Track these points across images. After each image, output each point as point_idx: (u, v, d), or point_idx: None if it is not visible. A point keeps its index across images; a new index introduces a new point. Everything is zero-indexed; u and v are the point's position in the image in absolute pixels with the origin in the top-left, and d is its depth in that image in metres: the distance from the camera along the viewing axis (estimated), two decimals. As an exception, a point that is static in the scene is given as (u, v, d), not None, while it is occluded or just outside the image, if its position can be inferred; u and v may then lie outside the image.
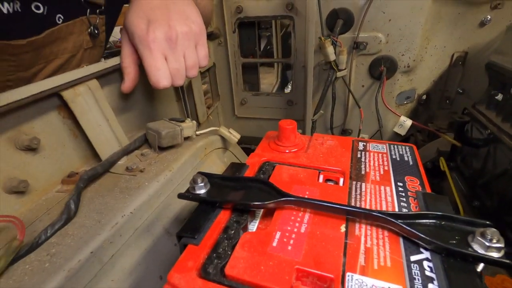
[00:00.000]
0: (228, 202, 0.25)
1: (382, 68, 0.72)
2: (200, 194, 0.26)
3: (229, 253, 0.21)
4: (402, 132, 0.73)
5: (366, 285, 0.18)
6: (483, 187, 0.57)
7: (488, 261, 0.18)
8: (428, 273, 0.18)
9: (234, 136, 0.49)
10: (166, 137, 0.40)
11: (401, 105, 0.79)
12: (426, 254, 0.20)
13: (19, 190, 0.30)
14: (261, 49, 2.04)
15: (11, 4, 0.32)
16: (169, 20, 0.35)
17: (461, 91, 0.76)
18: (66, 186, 0.34)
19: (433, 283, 0.18)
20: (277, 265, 0.20)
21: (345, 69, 0.72)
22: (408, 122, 0.72)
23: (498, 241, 0.18)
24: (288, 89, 1.56)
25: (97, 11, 0.44)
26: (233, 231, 0.23)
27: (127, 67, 0.37)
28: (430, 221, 0.21)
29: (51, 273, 0.23)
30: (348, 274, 0.19)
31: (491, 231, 0.18)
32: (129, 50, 0.37)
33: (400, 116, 0.73)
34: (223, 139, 0.50)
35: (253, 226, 0.24)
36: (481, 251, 0.18)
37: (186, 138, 0.44)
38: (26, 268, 0.24)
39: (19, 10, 0.33)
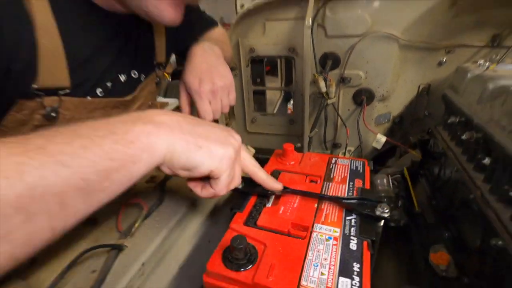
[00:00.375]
0: (255, 192, 0.45)
1: (363, 97, 0.92)
2: (239, 188, 0.46)
3: (257, 216, 0.41)
4: (378, 146, 0.94)
5: (321, 228, 0.38)
6: (438, 189, 0.76)
7: (378, 217, 0.38)
8: (353, 223, 0.39)
9: (250, 150, 0.70)
10: None
11: (379, 125, 0.99)
12: (353, 216, 0.40)
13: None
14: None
15: (124, 75, 0.53)
16: (212, 78, 0.56)
17: (427, 114, 0.96)
18: (151, 183, 0.55)
19: (353, 228, 0.38)
20: (281, 221, 0.40)
21: (334, 97, 0.93)
22: (383, 139, 0.92)
23: (386, 210, 0.38)
24: (290, 104, 1.78)
25: (160, 67, 0.65)
26: (258, 207, 0.44)
27: (184, 107, 0.58)
28: (358, 201, 0.42)
29: (161, 228, 0.44)
30: (315, 224, 0.39)
31: (383, 205, 0.39)
32: (186, 96, 0.57)
33: (377, 134, 0.93)
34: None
35: (268, 204, 0.45)
36: (377, 214, 0.39)
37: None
38: (146, 226, 0.45)
39: (127, 77, 0.54)
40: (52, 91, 0.41)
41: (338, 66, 0.91)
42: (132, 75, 0.55)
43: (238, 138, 0.37)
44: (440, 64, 0.90)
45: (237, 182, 0.38)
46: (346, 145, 0.97)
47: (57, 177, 0.22)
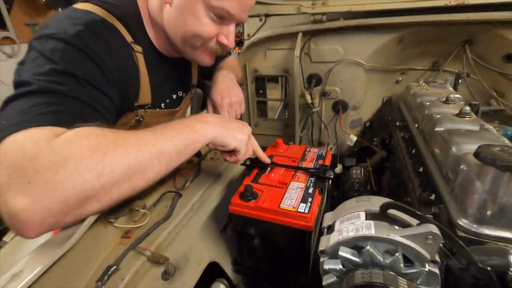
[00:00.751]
0: (258, 165, 0.75)
1: (339, 107, 1.22)
2: (247, 163, 0.75)
3: (258, 178, 0.71)
4: (351, 144, 1.23)
5: (294, 183, 0.67)
6: (392, 174, 1.05)
7: (326, 177, 0.67)
8: (312, 182, 0.68)
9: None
10: None
11: (353, 128, 1.29)
12: (313, 178, 0.69)
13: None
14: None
15: (175, 94, 0.83)
16: (230, 96, 0.86)
17: (391, 119, 1.25)
18: (190, 163, 0.84)
19: (312, 184, 0.67)
20: (272, 180, 0.69)
21: (318, 107, 1.23)
22: (354, 138, 1.22)
23: (331, 174, 0.68)
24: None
25: (193, 87, 0.96)
26: (259, 174, 0.73)
27: (210, 115, 0.89)
28: (316, 170, 0.71)
29: (200, 188, 0.74)
30: (291, 182, 0.68)
31: (329, 171, 0.68)
32: (212, 108, 0.87)
33: (350, 135, 1.22)
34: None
35: (266, 172, 0.74)
36: (326, 175, 0.68)
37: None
38: (192, 186, 0.74)
39: (176, 96, 0.84)
40: (142, 106, 0.71)
41: (320, 83, 1.21)
42: (179, 94, 0.86)
43: (250, 128, 0.67)
44: (397, 82, 1.20)
45: (249, 154, 0.68)
46: (328, 143, 1.26)
47: (169, 147, 0.52)
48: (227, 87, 0.88)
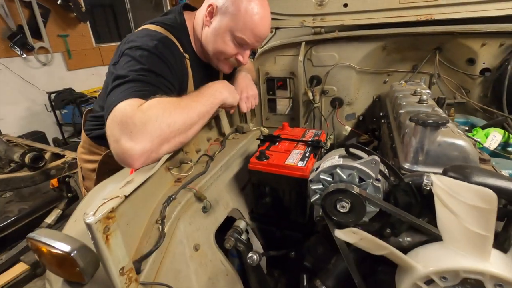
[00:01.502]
0: (269, 139, 1.00)
1: (336, 103, 1.47)
2: (261, 138, 1.01)
3: (269, 148, 0.96)
4: (346, 133, 1.47)
5: (295, 150, 0.92)
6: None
7: (320, 146, 0.92)
8: (309, 149, 0.93)
9: (264, 130, 1.26)
10: (247, 129, 1.17)
11: (348, 121, 1.53)
12: (309, 148, 0.94)
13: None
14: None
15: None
16: (247, 91, 1.12)
17: (381, 114, 1.49)
18: (217, 140, 1.11)
19: (308, 150, 0.92)
20: (280, 149, 0.94)
21: (318, 103, 1.48)
22: (349, 129, 1.46)
23: (324, 144, 0.92)
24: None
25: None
26: (271, 145, 0.99)
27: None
28: (314, 141, 0.96)
29: (226, 155, 1.00)
30: (293, 149, 0.93)
31: (322, 143, 0.93)
32: (235, 100, 1.15)
33: (345, 126, 1.47)
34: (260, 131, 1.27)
35: (275, 144, 1.00)
36: (319, 144, 0.93)
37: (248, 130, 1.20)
38: (219, 155, 1.00)
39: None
40: (187, 94, 0.99)
41: (320, 83, 1.46)
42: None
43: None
44: (384, 82, 1.45)
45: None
46: (327, 133, 1.51)
47: (203, 109, 0.78)
48: (245, 84, 1.15)
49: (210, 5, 0.91)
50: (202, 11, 0.97)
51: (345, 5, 1.29)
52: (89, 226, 0.49)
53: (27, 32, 3.85)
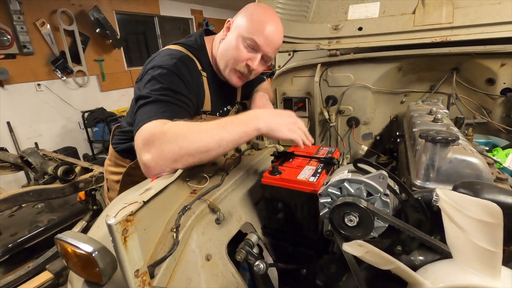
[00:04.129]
0: (282, 155, 1.03)
1: (352, 122, 1.48)
2: (275, 154, 1.04)
3: (283, 163, 0.99)
4: (363, 153, 1.46)
5: (308, 167, 0.94)
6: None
7: (333, 163, 0.93)
8: (321, 166, 0.94)
9: (279, 148, 1.29)
10: (263, 146, 1.21)
11: (365, 140, 1.53)
12: (322, 164, 0.96)
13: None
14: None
15: (225, 108, 1.17)
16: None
17: (398, 133, 1.48)
18: (233, 157, 1.15)
19: (320, 167, 0.93)
20: (293, 164, 0.97)
21: (334, 122, 1.50)
22: (365, 148, 1.45)
23: (336, 161, 0.94)
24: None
25: (237, 103, 1.29)
26: (284, 161, 1.01)
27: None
28: (326, 158, 0.97)
29: (241, 171, 1.04)
30: (306, 165, 0.95)
31: (334, 159, 0.94)
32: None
33: (361, 145, 1.46)
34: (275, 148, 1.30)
35: (288, 160, 1.02)
36: (332, 161, 0.94)
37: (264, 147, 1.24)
38: (234, 170, 1.04)
39: (226, 109, 1.17)
40: (204, 112, 1.05)
41: (336, 103, 1.49)
42: (228, 107, 1.19)
43: (293, 115, 0.92)
44: (401, 102, 1.45)
45: (301, 136, 0.93)
46: (343, 152, 1.51)
47: (227, 137, 0.82)
48: (263, 103, 1.20)
49: (228, 21, 1.00)
50: (220, 33, 1.05)
51: (360, 28, 1.34)
52: (109, 227, 0.54)
53: (68, 57, 4.24)
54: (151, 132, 0.74)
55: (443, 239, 0.59)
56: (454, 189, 0.58)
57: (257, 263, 0.79)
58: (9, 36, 3.63)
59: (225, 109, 1.17)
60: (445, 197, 0.50)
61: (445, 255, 0.56)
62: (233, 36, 0.98)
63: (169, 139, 0.73)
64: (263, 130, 0.81)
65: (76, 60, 4.41)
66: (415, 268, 0.57)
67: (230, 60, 1.00)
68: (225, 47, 1.01)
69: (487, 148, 1.00)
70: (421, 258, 0.66)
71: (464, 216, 0.46)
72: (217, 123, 0.80)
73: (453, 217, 0.48)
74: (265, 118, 0.82)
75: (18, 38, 3.72)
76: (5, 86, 3.70)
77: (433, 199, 0.60)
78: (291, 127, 0.85)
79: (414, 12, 1.24)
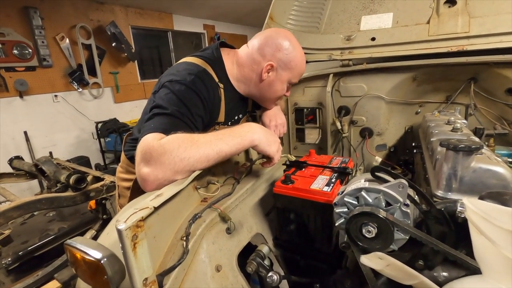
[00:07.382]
0: (295, 164, 1.01)
1: (366, 133, 1.45)
2: (287, 163, 1.02)
3: (295, 173, 0.97)
4: (377, 164, 1.42)
5: (321, 176, 0.92)
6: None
7: (347, 173, 0.91)
8: (335, 176, 0.92)
9: (291, 158, 1.27)
10: None
11: (379, 151, 1.49)
12: (336, 174, 0.93)
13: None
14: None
15: (237, 117, 1.16)
16: (276, 119, 1.16)
17: (414, 144, 1.44)
18: (244, 167, 1.13)
19: (335, 176, 0.91)
20: (305, 174, 0.94)
21: (347, 133, 1.47)
22: (379, 159, 1.41)
23: (350, 171, 0.91)
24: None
25: (248, 112, 1.28)
26: (296, 170, 0.99)
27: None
28: (340, 168, 0.95)
29: (251, 180, 1.02)
30: (319, 175, 0.93)
31: (348, 169, 0.91)
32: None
33: (375, 156, 1.43)
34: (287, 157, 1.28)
35: (301, 170, 1.00)
36: (346, 171, 0.91)
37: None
38: (245, 179, 1.02)
39: (238, 118, 1.17)
40: (218, 123, 1.04)
41: (349, 113, 1.47)
42: (240, 116, 1.19)
43: (279, 141, 0.94)
44: (417, 113, 1.41)
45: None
46: (356, 164, 1.48)
47: (225, 148, 0.80)
48: (274, 113, 1.19)
49: (269, 64, 1.01)
50: (244, 54, 1.06)
51: (373, 38, 1.33)
52: (119, 232, 0.53)
53: (85, 69, 4.39)
54: (149, 144, 0.74)
55: (469, 254, 0.55)
56: (480, 199, 0.55)
57: (270, 274, 0.76)
58: (30, 50, 3.80)
59: (236, 117, 1.16)
60: (473, 207, 0.47)
61: (473, 270, 0.52)
62: (278, 78, 1.05)
63: (168, 151, 0.72)
64: (256, 142, 0.86)
65: (92, 72, 4.55)
66: (439, 285, 0.53)
67: (273, 97, 1.12)
68: (268, 87, 1.07)
69: (510, 160, 0.95)
70: (445, 274, 0.62)
71: (495, 227, 0.43)
72: (214, 135, 0.82)
73: (482, 228, 0.45)
74: (259, 132, 0.87)
75: (38, 51, 3.88)
76: (24, 97, 3.83)
77: (458, 210, 0.57)
78: (277, 146, 0.92)
79: (428, 22, 1.23)
